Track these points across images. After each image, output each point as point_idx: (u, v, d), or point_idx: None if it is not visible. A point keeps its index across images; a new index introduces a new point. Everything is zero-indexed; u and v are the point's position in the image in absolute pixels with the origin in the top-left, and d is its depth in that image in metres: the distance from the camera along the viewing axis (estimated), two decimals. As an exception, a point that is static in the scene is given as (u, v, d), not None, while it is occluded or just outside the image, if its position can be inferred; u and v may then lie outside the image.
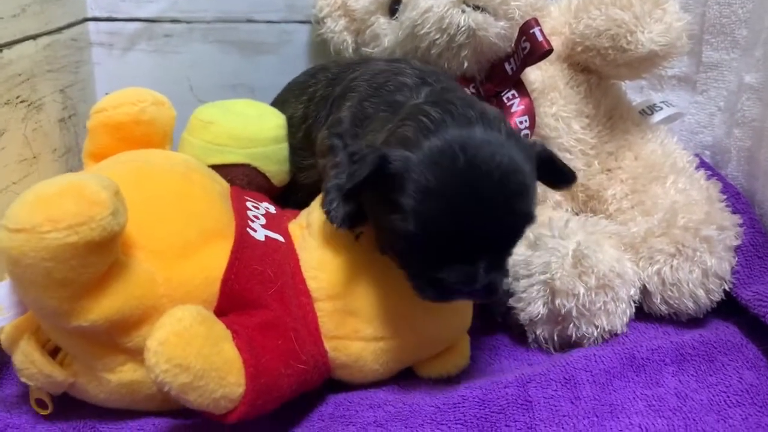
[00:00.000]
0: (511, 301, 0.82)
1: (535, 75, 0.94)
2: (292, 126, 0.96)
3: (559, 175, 0.70)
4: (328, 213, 0.73)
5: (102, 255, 0.61)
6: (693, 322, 0.84)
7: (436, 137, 0.63)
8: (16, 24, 0.86)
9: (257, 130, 0.95)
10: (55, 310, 0.61)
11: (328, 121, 0.84)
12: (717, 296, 0.83)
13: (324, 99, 0.89)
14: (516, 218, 0.64)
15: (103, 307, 0.62)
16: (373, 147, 0.68)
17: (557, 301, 0.78)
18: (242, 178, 0.93)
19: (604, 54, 0.90)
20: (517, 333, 0.85)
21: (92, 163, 0.84)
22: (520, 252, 0.84)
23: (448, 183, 0.62)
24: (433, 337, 0.75)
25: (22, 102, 0.87)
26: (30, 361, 0.66)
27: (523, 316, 0.81)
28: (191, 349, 0.59)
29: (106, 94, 0.87)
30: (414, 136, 0.65)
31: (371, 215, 0.72)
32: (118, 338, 0.65)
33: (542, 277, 0.79)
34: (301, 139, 0.94)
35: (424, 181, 0.62)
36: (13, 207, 0.59)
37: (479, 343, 0.84)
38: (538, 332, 0.81)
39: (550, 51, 0.86)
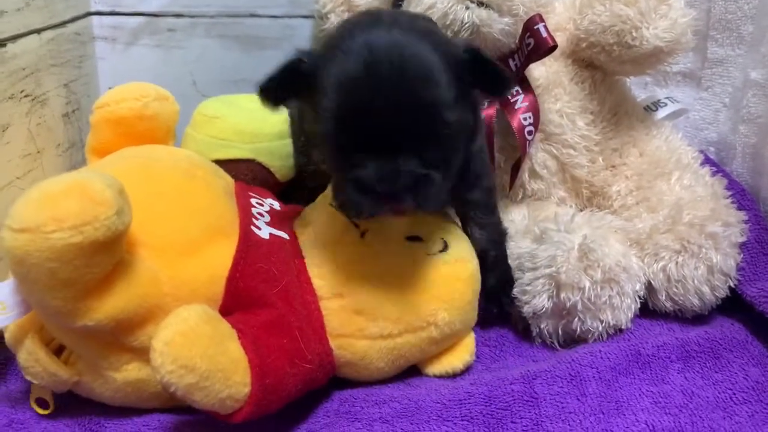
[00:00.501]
0: (516, 293, 0.81)
1: (539, 71, 0.92)
2: (294, 132, 0.95)
3: (492, 79, 0.68)
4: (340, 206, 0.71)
5: (107, 255, 0.59)
6: (698, 318, 0.83)
7: (348, 36, 0.65)
8: (20, 18, 0.84)
9: (261, 125, 0.94)
10: (60, 309, 0.59)
11: None
12: (722, 293, 0.81)
13: None
14: (419, 106, 0.63)
15: (108, 307, 0.61)
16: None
17: (562, 295, 0.77)
18: (247, 174, 0.92)
19: (608, 50, 0.88)
20: (521, 328, 0.83)
21: (95, 159, 0.83)
22: (525, 245, 0.83)
23: (352, 71, 0.62)
24: (438, 335, 0.74)
25: (26, 96, 0.85)
26: (35, 360, 0.65)
27: (527, 309, 0.79)
28: (197, 349, 0.58)
29: (110, 88, 0.86)
30: (330, 39, 0.67)
31: (310, 135, 0.73)
32: (122, 337, 0.64)
33: (547, 271, 0.78)
34: (303, 144, 0.93)
35: (332, 77, 0.63)
36: (17, 206, 0.58)
37: (484, 340, 0.83)
38: (542, 326, 0.80)
39: (555, 47, 0.84)
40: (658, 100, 0.98)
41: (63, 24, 0.98)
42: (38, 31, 0.89)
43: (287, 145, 0.96)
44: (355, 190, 0.65)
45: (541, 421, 0.67)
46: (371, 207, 0.65)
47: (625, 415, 0.67)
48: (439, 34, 0.67)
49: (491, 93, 0.72)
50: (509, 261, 0.83)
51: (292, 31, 1.16)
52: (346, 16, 1.04)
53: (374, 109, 0.62)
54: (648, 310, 0.84)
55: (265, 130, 0.94)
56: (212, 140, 0.93)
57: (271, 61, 1.13)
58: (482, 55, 0.67)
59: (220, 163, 0.87)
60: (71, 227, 0.56)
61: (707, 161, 0.95)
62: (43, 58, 0.91)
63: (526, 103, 0.88)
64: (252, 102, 0.97)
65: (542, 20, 0.85)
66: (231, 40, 1.15)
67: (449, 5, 0.82)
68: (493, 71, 0.68)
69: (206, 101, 0.98)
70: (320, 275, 0.73)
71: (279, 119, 0.95)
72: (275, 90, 0.69)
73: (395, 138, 0.63)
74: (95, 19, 1.11)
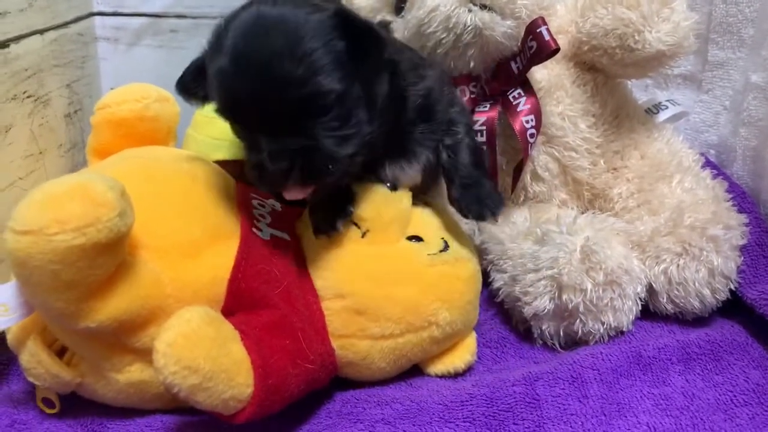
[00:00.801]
0: (518, 294, 0.80)
1: (541, 74, 0.92)
2: None
3: (367, 40, 0.65)
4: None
5: (109, 256, 0.59)
6: (698, 321, 0.82)
7: (223, 26, 0.65)
8: (23, 18, 0.84)
9: (263, 125, 0.93)
10: (62, 311, 0.59)
11: None
12: (723, 295, 0.81)
13: None
14: (278, 80, 0.61)
15: (110, 308, 0.60)
16: None
17: (564, 297, 0.76)
18: (248, 174, 0.91)
19: (611, 53, 0.87)
20: (523, 329, 0.83)
21: (96, 160, 0.82)
22: (527, 247, 0.83)
23: (221, 60, 0.63)
24: (440, 335, 0.74)
25: (28, 97, 0.85)
26: (37, 362, 0.64)
27: (528, 311, 0.79)
28: (200, 350, 0.58)
29: (112, 89, 0.85)
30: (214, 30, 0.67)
31: None
32: (125, 339, 0.63)
33: (549, 272, 0.77)
34: None
35: (209, 61, 0.65)
36: (19, 208, 0.57)
37: (485, 341, 0.82)
38: (543, 328, 0.79)
39: (557, 50, 0.84)
40: (659, 103, 0.98)
41: (66, 24, 0.98)
42: (41, 31, 0.89)
43: (288, 145, 0.95)
44: (254, 170, 0.66)
45: (543, 423, 0.67)
46: (271, 185, 0.67)
47: (626, 417, 0.67)
48: (310, 3, 0.65)
49: (369, 53, 0.67)
50: (510, 261, 0.83)
51: (293, 32, 1.15)
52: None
53: (242, 95, 0.63)
54: (649, 312, 0.83)
55: (266, 131, 0.93)
56: (213, 141, 0.92)
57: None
58: (349, 16, 0.65)
59: (221, 163, 0.86)
60: (74, 229, 0.56)
61: (708, 164, 0.95)
62: (46, 59, 0.90)
63: (528, 106, 0.87)
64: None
65: (545, 23, 0.84)
66: (233, 41, 1.15)
67: (452, 8, 0.82)
68: (363, 30, 0.65)
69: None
70: (321, 276, 0.72)
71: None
72: (188, 85, 0.70)
73: (276, 119, 0.63)
74: (98, 19, 1.11)
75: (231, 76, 0.62)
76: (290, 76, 0.61)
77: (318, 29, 0.63)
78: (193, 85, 0.70)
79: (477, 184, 0.78)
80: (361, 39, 0.65)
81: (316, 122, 0.64)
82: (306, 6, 0.64)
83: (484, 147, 0.87)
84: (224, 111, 0.66)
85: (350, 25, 0.65)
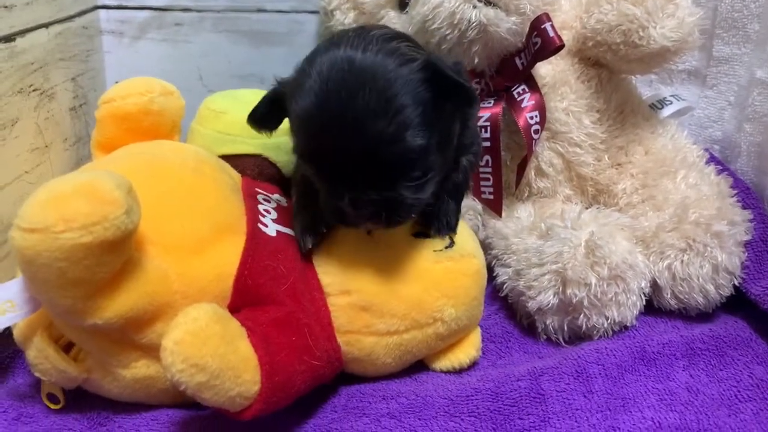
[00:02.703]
0: (522, 289, 0.80)
1: (545, 69, 0.91)
2: None
3: (455, 93, 0.65)
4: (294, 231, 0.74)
5: (116, 254, 0.58)
6: (702, 316, 0.82)
7: (310, 61, 0.63)
8: (29, 12, 0.83)
9: (268, 120, 0.92)
10: (69, 308, 0.58)
11: None
12: (727, 291, 0.80)
13: None
14: (369, 138, 0.60)
15: (117, 305, 0.60)
16: None
17: (568, 291, 0.76)
18: (253, 169, 0.90)
19: (615, 49, 0.86)
20: (527, 323, 0.83)
21: (101, 154, 0.81)
22: (531, 241, 0.82)
23: (306, 108, 0.61)
24: (445, 330, 0.73)
25: (34, 90, 0.84)
26: (44, 357, 0.64)
27: (532, 305, 0.79)
28: (207, 348, 0.57)
29: (116, 82, 0.84)
30: (299, 66, 0.65)
31: None
32: (132, 335, 0.63)
33: (554, 267, 0.77)
34: None
35: (294, 105, 0.62)
36: (26, 206, 0.56)
37: (489, 336, 0.82)
38: (547, 322, 0.79)
39: (562, 46, 0.83)
40: (664, 98, 0.97)
41: (70, 18, 0.97)
42: (46, 25, 0.88)
43: (293, 140, 0.94)
44: (334, 213, 0.66)
45: (549, 418, 0.66)
46: (349, 225, 0.67)
47: (631, 412, 0.66)
48: (401, 52, 0.63)
49: (457, 105, 0.68)
50: (515, 256, 0.82)
51: (299, 26, 1.14)
52: (351, 14, 1.03)
53: (328, 147, 0.61)
54: (652, 307, 0.83)
55: (270, 125, 0.92)
56: (219, 135, 0.91)
57: (278, 56, 1.14)
58: (440, 71, 0.63)
59: (226, 158, 0.86)
60: (81, 227, 0.55)
61: (712, 159, 0.94)
62: (51, 53, 0.89)
63: (533, 102, 0.87)
64: (258, 97, 0.96)
65: (549, 19, 0.83)
66: (238, 34, 1.13)
67: (456, 4, 0.81)
68: (454, 86, 0.64)
69: (212, 96, 0.96)
70: (327, 272, 0.72)
71: (286, 114, 0.94)
72: (261, 118, 0.69)
73: (357, 169, 0.62)
74: (102, 13, 1.09)
75: (319, 126, 0.61)
76: (381, 135, 0.60)
77: (408, 83, 0.62)
78: (266, 118, 0.69)
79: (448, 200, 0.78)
80: (449, 92, 0.64)
81: (400, 176, 0.64)
82: (395, 55, 0.62)
83: (488, 144, 0.87)
84: (306, 156, 0.65)
85: (440, 78, 0.63)
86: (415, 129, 0.61)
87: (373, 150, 0.61)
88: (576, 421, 0.66)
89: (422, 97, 0.62)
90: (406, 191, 0.64)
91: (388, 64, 0.61)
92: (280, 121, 0.70)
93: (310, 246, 0.71)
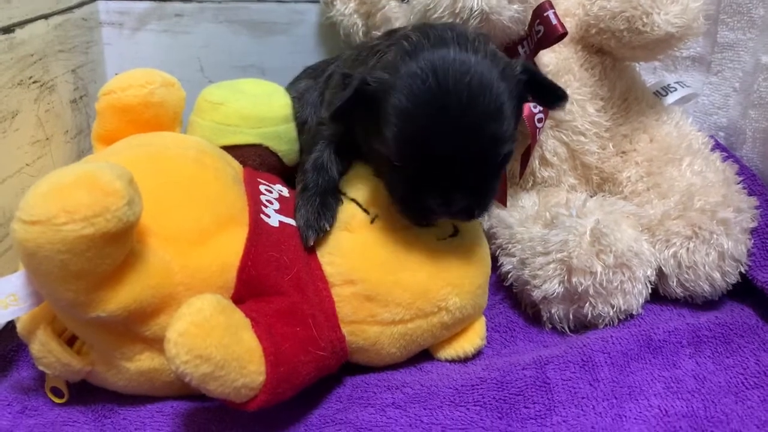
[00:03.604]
0: (527, 278, 0.79)
1: (548, 58, 0.89)
2: (296, 116, 0.93)
3: (549, 95, 0.69)
4: (296, 220, 0.73)
5: (118, 246, 0.57)
6: (708, 304, 0.81)
7: (411, 60, 0.63)
8: (28, 3, 0.82)
9: (267, 109, 0.91)
10: (72, 301, 0.57)
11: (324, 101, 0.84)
12: (733, 279, 0.80)
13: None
14: (487, 140, 0.62)
15: (120, 298, 0.59)
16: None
17: (574, 280, 0.75)
18: (254, 159, 0.89)
19: (619, 36, 0.85)
20: (531, 312, 0.82)
21: (101, 146, 0.80)
22: (536, 230, 0.81)
23: (420, 106, 0.61)
24: (450, 319, 0.72)
25: (34, 83, 0.83)
26: (47, 351, 0.63)
27: (537, 294, 0.78)
28: (212, 339, 0.56)
29: (117, 74, 0.83)
30: (393, 60, 0.65)
31: (363, 143, 0.72)
32: (135, 327, 0.62)
33: (559, 255, 0.76)
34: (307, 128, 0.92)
35: (399, 104, 0.62)
36: (27, 198, 0.55)
37: (493, 325, 0.81)
38: (553, 311, 0.78)
39: (565, 34, 0.82)
40: (668, 85, 0.95)
41: (70, 9, 0.96)
42: (46, 16, 0.87)
43: (293, 128, 0.93)
44: (411, 209, 0.67)
45: (554, 407, 0.66)
46: (424, 221, 0.70)
47: (638, 400, 0.66)
48: (500, 55, 0.66)
49: (548, 106, 0.73)
50: (519, 245, 0.82)
51: (300, 16, 1.13)
52: (351, 4, 1.02)
53: (438, 145, 0.62)
54: (658, 296, 0.82)
55: (270, 114, 0.91)
56: (218, 126, 0.90)
57: (279, 47, 1.13)
58: (540, 76, 0.67)
59: (227, 149, 0.85)
60: (82, 219, 0.54)
61: (717, 146, 0.93)
62: (51, 44, 0.88)
63: (536, 90, 0.86)
64: (256, 86, 0.96)
65: (552, 7, 0.82)
66: (239, 25, 1.12)
67: (458, -8, 0.80)
68: (551, 90, 0.68)
69: (209, 87, 0.95)
70: (331, 262, 0.71)
71: (284, 103, 0.93)
72: (344, 114, 0.68)
73: (458, 169, 0.63)
74: (102, 4, 1.08)
75: (434, 126, 0.61)
76: (495, 138, 0.63)
77: (513, 90, 0.64)
78: (348, 114, 0.68)
79: None
80: (543, 94, 0.69)
81: (490, 177, 0.66)
82: (497, 58, 0.65)
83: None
84: (403, 151, 0.64)
85: (537, 83, 0.68)
86: (513, 131, 0.65)
87: (485, 152, 0.63)
88: (582, 410, 0.65)
89: (518, 101, 0.65)
90: (491, 187, 0.67)
91: (497, 69, 0.63)
92: (356, 117, 0.69)
93: (312, 243, 0.71)
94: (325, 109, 0.77)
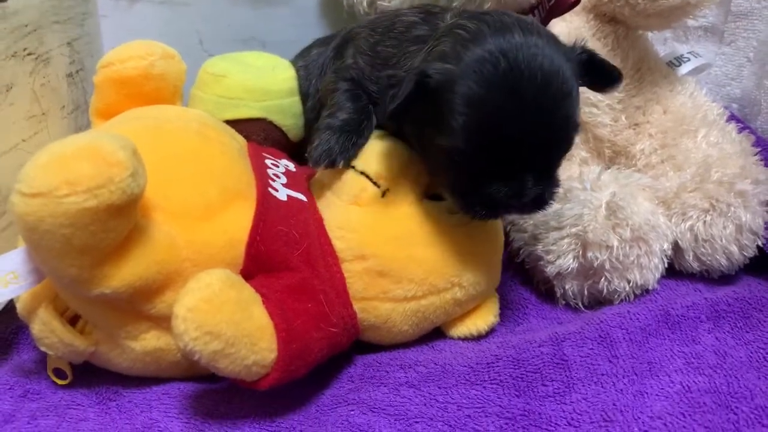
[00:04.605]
0: (540, 253, 0.77)
1: (560, 27, 0.86)
2: (302, 91, 0.90)
3: (603, 75, 0.67)
4: (308, 154, 0.70)
5: (122, 219, 0.54)
6: (724, 278, 0.79)
7: (476, 46, 0.60)
8: (20, -29, 0.78)
9: (271, 81, 0.88)
10: (75, 278, 0.54)
11: (333, 67, 0.81)
12: (750, 252, 0.77)
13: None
14: (561, 121, 0.60)
15: (125, 274, 0.56)
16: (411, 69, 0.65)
17: (589, 254, 0.73)
18: (259, 134, 0.86)
19: (633, 3, 0.82)
20: (544, 289, 0.79)
21: (100, 121, 0.77)
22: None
23: (494, 90, 0.58)
24: (463, 296, 0.70)
25: (29, 55, 0.79)
26: (49, 330, 0.60)
27: (551, 270, 0.75)
28: (222, 315, 0.54)
29: (113, 48, 0.79)
30: (452, 50, 0.61)
31: (418, 141, 0.69)
32: (140, 305, 0.59)
33: (574, 230, 0.73)
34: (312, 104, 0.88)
35: (468, 91, 0.59)
36: (27, 170, 0.52)
37: (506, 303, 0.79)
38: (567, 287, 0.76)
39: (577, 2, 0.80)
40: (681, 55, 0.92)
41: (64, -21, 0.92)
42: (39, -15, 0.83)
43: (297, 102, 0.90)
44: (479, 203, 0.63)
45: (573, 384, 0.63)
46: (494, 215, 0.65)
47: (658, 376, 0.63)
48: (559, 39, 0.64)
49: (600, 89, 0.70)
50: (531, 220, 0.79)
51: (302, -13, 1.09)
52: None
53: (516, 129, 0.59)
54: (673, 270, 0.80)
55: (274, 87, 0.88)
56: (221, 100, 0.87)
57: (279, 19, 1.09)
58: (598, 57, 0.65)
59: (230, 123, 0.82)
60: (85, 191, 0.51)
61: (732, 118, 0.90)
62: (45, 15, 0.84)
63: (548, 59, 0.82)
64: (259, 59, 0.92)
65: (564, -27, 0.79)
66: (239, -4, 1.09)
67: (468, -41, 0.76)
68: (609, 71, 0.66)
69: (212, 59, 0.92)
70: (341, 237, 0.68)
71: (288, 75, 0.89)
72: (405, 109, 0.64)
73: (531, 153, 0.60)
74: (97, -26, 1.04)
75: (510, 108, 0.58)
76: (570, 120, 0.61)
77: (575, 74, 0.62)
78: (406, 108, 0.63)
79: None
80: (600, 75, 0.67)
81: (555, 163, 0.65)
82: (559, 43, 0.63)
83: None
84: (475, 140, 0.60)
85: (595, 63, 0.65)
86: (578, 118, 0.63)
87: (562, 134, 0.62)
88: (602, 387, 0.63)
89: (576, 82, 0.63)
90: (555, 177, 0.65)
91: (561, 51, 0.62)
92: (413, 111, 0.65)
93: (321, 167, 0.69)
94: (382, 107, 0.72)
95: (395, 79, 0.67)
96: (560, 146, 0.63)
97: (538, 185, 0.62)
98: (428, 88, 0.60)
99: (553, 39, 0.62)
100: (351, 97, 0.74)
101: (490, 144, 0.60)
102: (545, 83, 0.58)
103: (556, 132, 0.61)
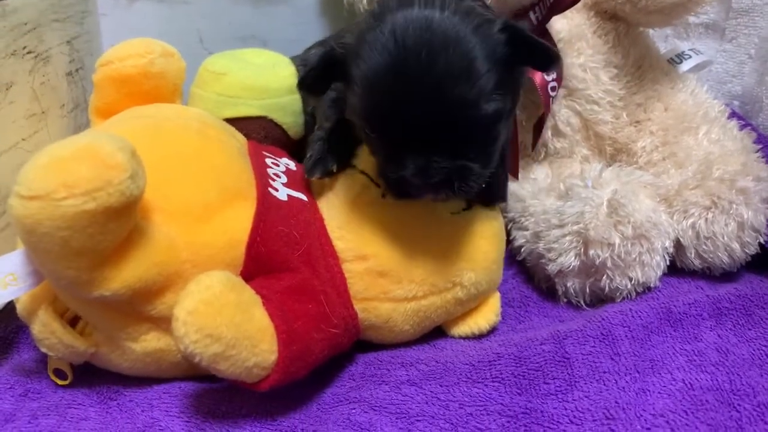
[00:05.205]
0: (541, 251, 0.76)
1: (561, 24, 0.85)
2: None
3: (538, 56, 0.61)
4: (304, 166, 0.70)
5: (121, 221, 0.53)
6: (726, 276, 0.78)
7: (375, 21, 0.57)
8: (19, -32, 0.77)
9: (271, 79, 0.87)
10: (74, 280, 0.54)
11: None
12: (752, 249, 0.76)
13: None
14: (450, 102, 0.56)
15: (124, 276, 0.55)
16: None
17: (591, 252, 0.72)
18: (259, 132, 0.86)
19: (634, 0, 0.81)
20: (546, 287, 0.79)
21: (99, 120, 0.76)
22: (550, 202, 0.78)
23: (378, 70, 0.56)
24: (464, 295, 0.69)
25: (29, 53, 0.79)
26: (49, 332, 0.60)
27: (552, 268, 0.74)
28: (222, 317, 0.53)
29: (113, 46, 0.79)
30: (362, 23, 0.59)
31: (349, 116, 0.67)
32: (140, 307, 0.58)
33: (575, 227, 0.72)
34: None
35: (360, 69, 0.57)
36: (25, 172, 0.51)
37: (507, 300, 0.78)
38: (568, 285, 0.75)
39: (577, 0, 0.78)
40: (682, 52, 0.91)
41: (63, -24, 0.91)
42: (38, -16, 0.82)
43: (298, 100, 0.89)
44: (395, 183, 0.61)
45: (575, 382, 0.63)
46: (411, 195, 0.62)
47: (660, 373, 0.62)
48: (477, 11, 0.59)
49: (536, 68, 0.66)
50: (532, 218, 0.78)
51: (302, -16, 1.08)
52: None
53: (402, 110, 0.56)
54: (675, 268, 0.79)
55: (274, 85, 0.87)
56: (220, 98, 0.86)
57: (280, 16, 1.08)
58: (522, 33, 0.59)
59: (230, 121, 0.81)
60: (83, 193, 0.50)
61: (733, 115, 0.89)
62: (45, 13, 0.83)
63: (549, 57, 0.81)
64: (259, 57, 0.91)
65: (564, -30, 0.78)
66: (238, -7, 1.08)
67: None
68: (538, 49, 0.60)
69: (212, 57, 0.91)
70: (341, 237, 0.67)
71: (288, 73, 0.89)
72: (314, 81, 0.63)
73: (429, 135, 0.57)
74: (96, -28, 1.03)
75: (394, 87, 0.56)
76: (462, 99, 0.56)
77: (488, 46, 0.57)
78: (317, 81, 0.63)
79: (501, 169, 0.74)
80: (528, 55, 0.61)
81: (468, 142, 0.59)
82: (472, 15, 0.58)
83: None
84: (373, 119, 0.59)
85: (520, 41, 0.59)
86: (492, 94, 0.57)
87: (452, 115, 0.56)
88: (604, 384, 0.62)
89: (499, 61, 0.58)
90: (476, 160, 0.60)
91: (468, 26, 0.56)
92: (328, 86, 0.66)
93: (316, 177, 0.69)
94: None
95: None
96: (460, 126, 0.58)
97: (445, 166, 0.58)
98: (337, 60, 0.60)
99: (462, 12, 0.57)
100: (333, 102, 0.73)
101: (383, 123, 0.58)
102: (431, 61, 0.55)
103: (448, 112, 0.57)
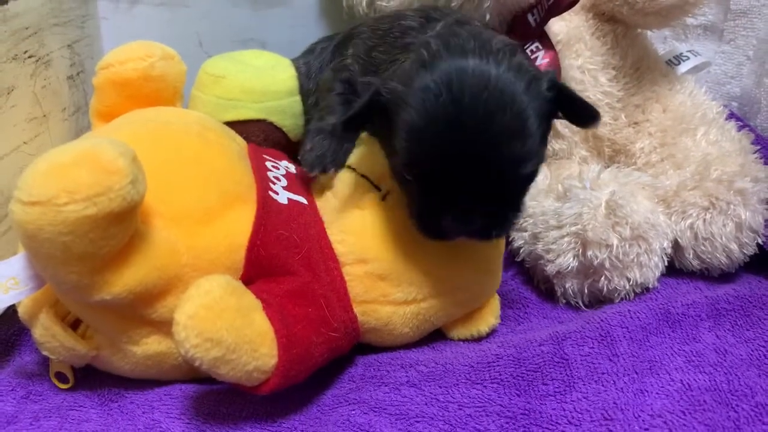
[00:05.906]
0: (540, 252, 0.76)
1: (559, 26, 0.85)
2: (302, 91, 0.89)
3: (580, 113, 0.61)
4: (301, 157, 0.69)
5: (122, 226, 0.53)
6: (724, 276, 0.78)
7: (427, 71, 0.56)
8: (20, -26, 0.77)
9: (270, 82, 0.87)
10: (75, 284, 0.54)
11: (332, 64, 0.80)
12: (750, 250, 0.76)
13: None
14: (503, 161, 0.56)
15: (125, 280, 0.55)
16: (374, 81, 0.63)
17: (589, 253, 0.72)
18: (259, 135, 0.85)
19: (631, 2, 0.81)
20: (545, 288, 0.79)
21: (100, 123, 0.76)
22: (548, 204, 0.78)
23: (431, 121, 0.55)
24: (464, 298, 0.69)
25: (30, 57, 0.79)
26: (51, 335, 0.59)
27: (551, 269, 0.75)
28: (222, 322, 0.53)
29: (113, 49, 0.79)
30: (410, 69, 0.58)
31: (385, 152, 0.67)
32: (141, 310, 0.58)
33: (573, 229, 0.73)
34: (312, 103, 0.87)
35: (410, 119, 0.56)
36: (26, 178, 0.51)
37: (506, 302, 0.78)
38: (567, 286, 0.75)
39: (576, 2, 0.78)
40: (680, 54, 0.91)
41: (64, -19, 0.91)
42: (39, -12, 0.82)
43: (298, 102, 0.89)
44: (427, 226, 0.62)
45: (574, 383, 0.62)
46: (446, 237, 0.62)
47: (659, 374, 0.62)
48: (527, 67, 0.59)
49: (578, 125, 0.65)
50: (531, 220, 0.78)
51: (301, -12, 1.08)
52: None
53: (451, 163, 0.56)
54: (673, 269, 0.79)
55: (273, 88, 0.87)
56: (220, 101, 0.86)
57: (279, 19, 1.08)
58: (568, 92, 0.60)
59: (230, 124, 0.81)
60: (84, 199, 0.50)
61: (731, 116, 0.89)
62: (45, 17, 0.83)
63: (547, 60, 0.81)
64: (258, 59, 0.91)
65: (562, -28, 0.78)
66: (239, -3, 1.07)
67: (466, -43, 0.75)
68: (582, 107, 0.61)
69: (211, 59, 0.90)
70: (341, 241, 0.67)
71: (288, 75, 0.88)
72: (354, 126, 0.63)
73: (473, 187, 0.57)
74: (96, -23, 1.03)
75: (446, 141, 0.55)
76: (512, 157, 0.56)
77: (539, 106, 0.57)
78: (359, 123, 0.63)
79: None
80: (571, 110, 0.61)
81: (508, 196, 0.60)
82: (523, 71, 0.57)
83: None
84: (415, 168, 0.59)
85: (565, 99, 0.60)
86: (540, 150, 0.59)
87: (501, 171, 0.57)
88: (602, 385, 0.62)
89: (545, 117, 0.59)
90: (514, 207, 0.61)
91: (521, 83, 0.56)
92: (367, 126, 0.65)
93: (314, 175, 0.69)
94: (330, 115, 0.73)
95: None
96: (508, 184, 0.59)
97: (486, 216, 0.59)
98: (381, 105, 0.59)
99: (515, 68, 0.57)
100: (344, 101, 0.73)
101: (429, 173, 0.58)
102: (488, 119, 0.55)
103: (501, 171, 0.57)
